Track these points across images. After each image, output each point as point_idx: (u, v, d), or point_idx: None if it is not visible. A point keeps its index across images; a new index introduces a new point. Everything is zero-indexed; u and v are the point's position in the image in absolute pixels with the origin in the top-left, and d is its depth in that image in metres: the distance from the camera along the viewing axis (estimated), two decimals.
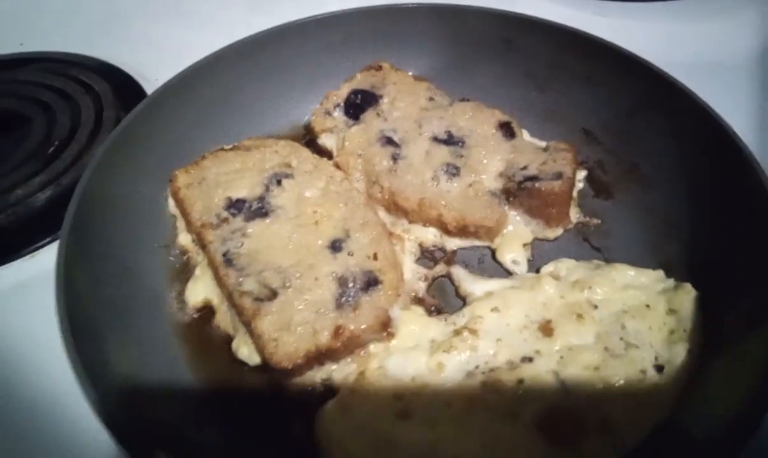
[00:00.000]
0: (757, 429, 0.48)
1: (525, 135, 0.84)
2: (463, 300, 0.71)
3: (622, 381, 0.61)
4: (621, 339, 0.64)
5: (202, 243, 0.71)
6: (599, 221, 0.78)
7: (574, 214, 0.78)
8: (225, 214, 0.73)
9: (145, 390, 0.57)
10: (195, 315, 0.70)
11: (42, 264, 0.79)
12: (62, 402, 0.59)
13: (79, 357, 0.52)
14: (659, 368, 0.62)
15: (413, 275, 0.73)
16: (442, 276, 0.74)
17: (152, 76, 1.05)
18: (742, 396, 0.53)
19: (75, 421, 0.56)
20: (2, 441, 0.62)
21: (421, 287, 0.72)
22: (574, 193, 0.79)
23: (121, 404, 0.51)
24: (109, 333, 0.60)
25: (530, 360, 0.63)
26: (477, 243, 0.76)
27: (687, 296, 0.67)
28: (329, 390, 0.63)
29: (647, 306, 0.67)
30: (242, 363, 0.65)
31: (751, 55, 1.04)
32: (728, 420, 0.53)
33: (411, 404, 0.61)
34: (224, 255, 0.68)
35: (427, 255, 0.76)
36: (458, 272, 0.73)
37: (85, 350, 0.53)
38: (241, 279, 0.66)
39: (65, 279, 0.58)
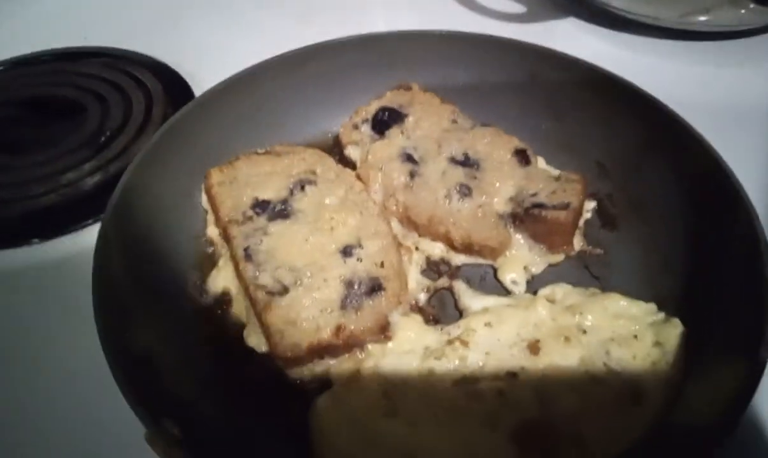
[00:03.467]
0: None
1: (541, 162, 0.89)
2: (460, 313, 0.75)
3: (599, 404, 0.65)
4: (604, 364, 0.68)
5: (227, 237, 0.78)
6: (602, 251, 0.81)
7: (578, 242, 0.82)
8: (250, 212, 0.79)
9: (160, 362, 0.63)
10: (213, 302, 0.76)
11: (85, 242, 0.87)
12: (87, 368, 0.66)
13: (104, 326, 0.59)
14: (636, 397, 0.66)
15: (417, 285, 0.78)
16: (444, 288, 0.78)
17: (200, 77, 1.13)
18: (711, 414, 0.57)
19: (98, 389, 0.62)
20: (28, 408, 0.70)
21: (423, 297, 0.77)
22: (581, 223, 0.83)
23: (138, 373, 0.57)
24: (135, 308, 0.67)
25: (514, 375, 0.67)
26: (481, 261, 0.80)
27: (674, 330, 0.70)
28: (326, 382, 0.69)
29: (635, 336, 0.70)
30: (251, 350, 0.72)
31: None
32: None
33: (399, 403, 0.65)
34: (245, 250, 0.75)
35: (433, 268, 0.81)
36: (459, 286, 0.78)
37: (110, 321, 0.60)
38: (257, 273, 0.73)
39: (102, 256, 0.66)
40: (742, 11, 1.14)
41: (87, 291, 0.69)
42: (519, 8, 1.32)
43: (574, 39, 1.25)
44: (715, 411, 0.57)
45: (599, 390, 0.66)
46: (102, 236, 0.68)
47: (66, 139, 0.99)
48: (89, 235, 0.88)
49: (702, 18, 1.16)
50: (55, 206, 0.90)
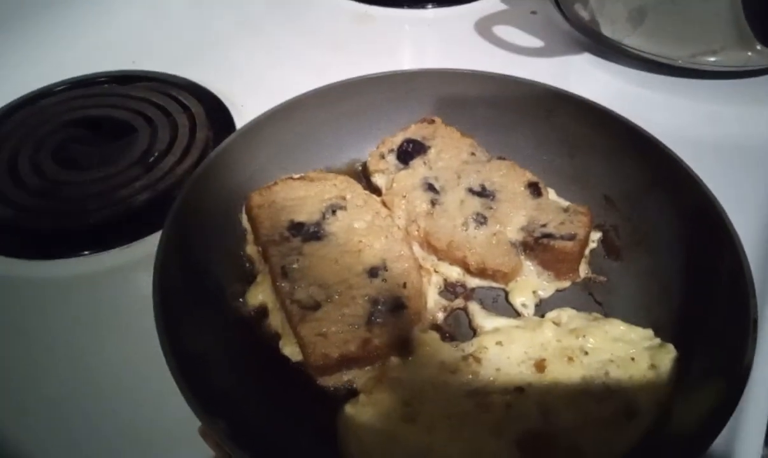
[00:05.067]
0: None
1: (552, 194, 0.96)
2: (474, 332, 0.83)
3: (596, 419, 0.72)
4: (603, 383, 0.75)
5: (265, 256, 0.87)
6: (605, 279, 0.89)
7: (584, 270, 0.89)
8: (287, 233, 0.88)
9: (209, 366, 0.72)
10: (253, 314, 0.84)
11: (133, 255, 0.97)
12: (143, 365, 0.75)
13: (164, 329, 0.67)
14: (631, 413, 0.73)
15: (435, 305, 0.86)
16: (460, 308, 0.86)
17: (239, 103, 1.23)
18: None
19: (155, 385, 0.70)
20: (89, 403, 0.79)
21: (440, 316, 0.85)
22: (587, 252, 0.90)
23: (192, 373, 0.65)
24: (186, 315, 0.75)
25: (521, 390, 0.75)
26: (494, 284, 0.88)
27: (668, 355, 0.77)
28: (353, 390, 0.77)
29: (632, 359, 0.77)
30: (286, 359, 0.80)
31: None
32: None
33: (416, 411, 0.73)
34: (282, 268, 0.83)
35: (450, 289, 0.89)
36: (474, 307, 0.86)
37: (169, 326, 0.68)
38: (293, 289, 0.81)
39: (162, 266, 0.75)
40: (750, 53, 1.20)
41: (134, 299, 0.78)
42: (537, 43, 1.40)
43: (589, 74, 1.33)
44: (697, 425, 0.64)
45: (597, 407, 0.73)
46: (160, 252, 0.76)
47: (118, 158, 1.09)
48: (137, 249, 0.97)
49: (711, 58, 1.23)
50: (107, 221, 0.99)
